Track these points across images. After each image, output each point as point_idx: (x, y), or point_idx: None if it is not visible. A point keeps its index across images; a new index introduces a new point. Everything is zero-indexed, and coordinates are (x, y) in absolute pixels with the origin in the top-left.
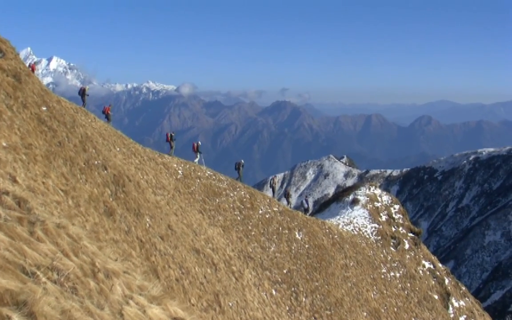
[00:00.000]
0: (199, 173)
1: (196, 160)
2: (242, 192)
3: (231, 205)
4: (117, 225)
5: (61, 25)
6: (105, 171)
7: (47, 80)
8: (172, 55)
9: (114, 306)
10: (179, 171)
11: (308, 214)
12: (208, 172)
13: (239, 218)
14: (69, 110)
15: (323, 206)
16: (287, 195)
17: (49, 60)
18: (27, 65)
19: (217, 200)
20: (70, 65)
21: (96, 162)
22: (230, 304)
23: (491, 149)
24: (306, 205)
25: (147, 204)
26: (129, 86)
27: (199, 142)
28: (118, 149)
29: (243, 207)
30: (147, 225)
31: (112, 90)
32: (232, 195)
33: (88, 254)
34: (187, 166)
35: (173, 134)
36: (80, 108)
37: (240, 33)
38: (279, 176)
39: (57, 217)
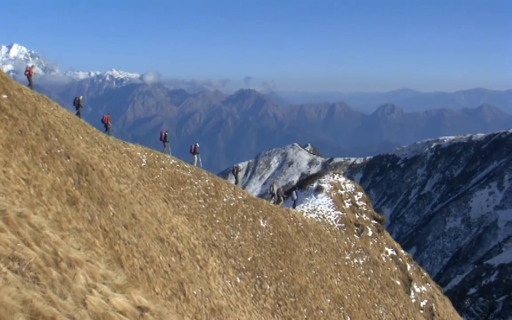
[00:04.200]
0: (163, 162)
1: (165, 150)
2: (207, 180)
3: (196, 194)
4: (80, 214)
5: (22, 11)
6: (68, 160)
7: (7, 67)
8: (136, 42)
9: (77, 295)
10: (143, 160)
11: (281, 203)
12: (173, 161)
13: (203, 206)
14: (30, 98)
15: (287, 194)
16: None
17: (9, 47)
18: None
19: (182, 189)
20: (31, 53)
21: (58, 151)
22: (195, 292)
23: (452, 137)
24: (295, 197)
25: (111, 193)
26: (92, 74)
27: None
28: (81, 137)
29: (207, 195)
30: (111, 214)
31: (75, 78)
32: (196, 183)
33: (50, 244)
34: (151, 154)
35: (167, 133)
36: (42, 95)
37: (204, 21)
38: (244, 164)
39: (18, 206)
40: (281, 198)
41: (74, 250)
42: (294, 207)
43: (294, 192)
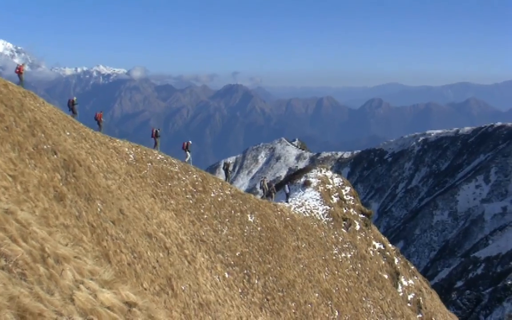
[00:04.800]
0: (150, 157)
1: (157, 146)
2: (194, 176)
3: (183, 189)
4: (68, 210)
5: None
6: (55, 156)
7: None
8: (123, 38)
9: (64, 291)
10: (131, 155)
11: (273, 198)
12: (160, 156)
13: (191, 201)
14: (16, 94)
15: (278, 188)
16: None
17: None
18: None
19: (169, 184)
20: (17, 48)
21: (45, 147)
22: (183, 287)
23: (439, 131)
24: (287, 191)
25: (98, 189)
26: (79, 69)
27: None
28: (68, 133)
29: (195, 190)
30: (98, 209)
31: (62, 74)
32: (184, 178)
33: (37, 240)
34: (139, 150)
35: (158, 131)
36: (28, 92)
37: (191, 17)
38: (231, 159)
39: (5, 202)
40: (272, 192)
41: (62, 246)
42: (287, 200)
43: (286, 186)
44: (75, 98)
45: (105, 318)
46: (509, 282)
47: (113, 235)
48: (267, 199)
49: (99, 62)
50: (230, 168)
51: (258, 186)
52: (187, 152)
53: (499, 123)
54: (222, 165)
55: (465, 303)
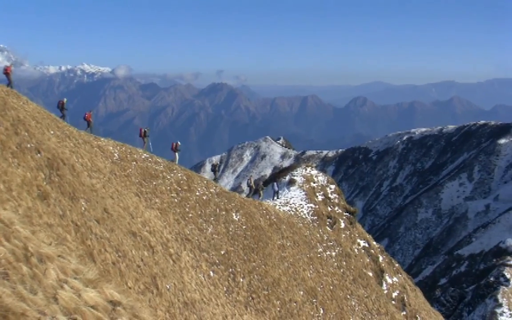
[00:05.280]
0: (135, 156)
1: (145, 146)
2: (179, 174)
3: (168, 188)
4: (52, 209)
5: None
6: (39, 155)
7: None
8: (107, 36)
9: (48, 290)
10: (115, 154)
11: (261, 197)
12: (145, 155)
13: (176, 200)
14: None
15: (265, 186)
16: (215, 169)
17: None
18: None
19: (154, 183)
20: (0, 47)
21: (29, 146)
22: (168, 286)
23: (423, 129)
24: (276, 188)
25: (82, 188)
26: (63, 68)
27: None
28: (52, 132)
29: (180, 189)
30: (83, 208)
31: (45, 73)
32: (169, 177)
33: (20, 239)
34: (123, 148)
35: (146, 130)
36: (11, 90)
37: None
38: (216, 158)
39: None
40: (260, 190)
41: (45, 245)
42: (277, 198)
43: (275, 184)
44: (65, 100)
45: (89, 317)
46: (491, 279)
47: (98, 234)
48: (253, 197)
49: (83, 61)
50: (220, 167)
51: (245, 185)
52: (176, 153)
53: (482, 122)
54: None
55: (449, 300)
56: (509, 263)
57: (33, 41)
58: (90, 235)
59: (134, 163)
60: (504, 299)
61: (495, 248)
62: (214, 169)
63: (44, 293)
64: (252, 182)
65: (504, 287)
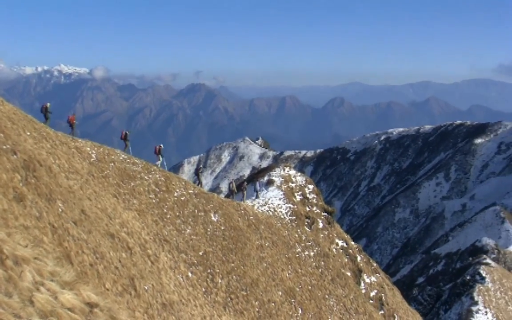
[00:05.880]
0: (113, 157)
1: (126, 149)
2: (157, 175)
3: (146, 189)
4: (28, 211)
5: None
6: (15, 156)
7: None
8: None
9: (23, 293)
10: (93, 155)
11: (244, 197)
12: (123, 156)
13: (154, 201)
14: None
15: (238, 188)
16: (198, 172)
17: None
18: None
19: (132, 184)
20: None
21: (4, 147)
22: (146, 287)
23: (401, 129)
24: (258, 188)
25: (60, 189)
26: (40, 69)
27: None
28: (28, 133)
29: (158, 190)
30: (60, 210)
31: (22, 74)
32: (147, 178)
33: None
34: (101, 149)
35: (127, 133)
36: None
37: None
38: (195, 158)
39: None
40: (244, 190)
41: (21, 247)
42: (256, 197)
43: (257, 183)
44: (49, 105)
45: (65, 319)
46: (468, 278)
47: (75, 235)
48: (235, 199)
49: (60, 62)
50: (203, 171)
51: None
52: (160, 156)
53: (458, 122)
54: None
55: (426, 298)
56: (484, 261)
57: (9, 42)
58: (67, 237)
59: (112, 164)
60: (480, 297)
61: (471, 246)
62: (197, 172)
63: (20, 296)
64: (234, 186)
65: (479, 285)
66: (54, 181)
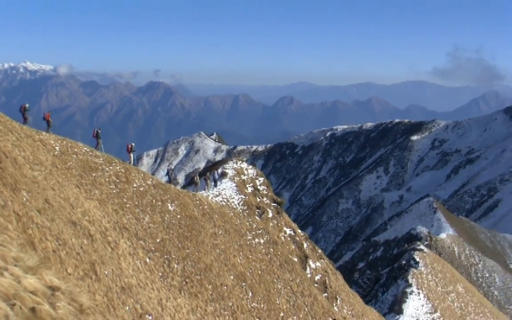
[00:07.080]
0: (76, 150)
1: (98, 147)
2: (118, 167)
3: (107, 180)
4: None
5: None
6: None
7: None
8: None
9: None
10: (57, 148)
11: (207, 187)
12: (85, 148)
13: (114, 191)
14: None
15: (192, 181)
16: (170, 173)
17: None
18: None
19: (94, 175)
20: None
21: None
22: (106, 272)
23: (345, 126)
24: (216, 177)
25: (24, 179)
26: (6, 65)
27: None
28: None
29: (118, 181)
30: (24, 199)
31: None
32: (108, 169)
33: None
34: (64, 142)
35: (99, 131)
36: None
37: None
38: (153, 152)
39: None
40: (207, 182)
41: None
42: (214, 186)
43: (215, 172)
44: (27, 105)
45: (28, 302)
46: (403, 262)
47: (39, 223)
48: (189, 189)
49: (26, 59)
50: (175, 173)
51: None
52: (131, 154)
53: (397, 120)
54: (144, 157)
55: (366, 282)
56: (418, 248)
57: None
58: (31, 225)
59: (75, 156)
60: (414, 279)
61: (407, 234)
62: (169, 174)
63: None
64: (197, 179)
65: (413, 269)
66: (19, 171)
